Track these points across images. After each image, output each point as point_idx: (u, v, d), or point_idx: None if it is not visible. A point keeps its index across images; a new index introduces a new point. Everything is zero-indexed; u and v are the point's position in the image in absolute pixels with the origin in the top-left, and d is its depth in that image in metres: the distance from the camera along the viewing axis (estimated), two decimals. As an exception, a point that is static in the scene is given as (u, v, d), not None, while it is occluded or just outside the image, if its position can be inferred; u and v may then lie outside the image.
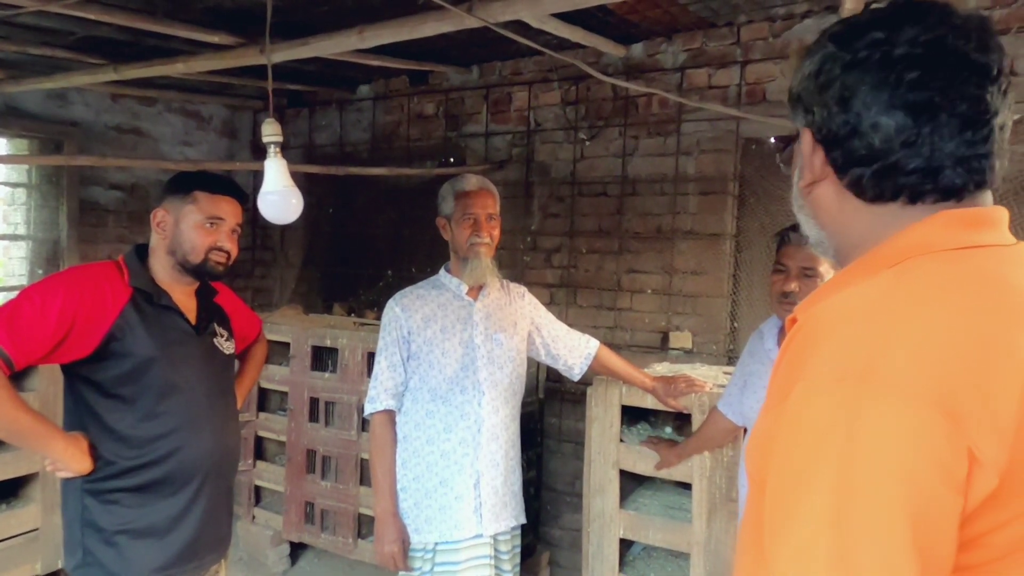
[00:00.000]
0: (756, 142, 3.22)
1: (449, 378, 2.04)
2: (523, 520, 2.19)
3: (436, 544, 2.03)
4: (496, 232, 2.11)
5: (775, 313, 1.89)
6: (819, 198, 0.78)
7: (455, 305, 2.11)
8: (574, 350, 2.29)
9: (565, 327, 2.33)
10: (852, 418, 0.58)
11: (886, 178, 0.71)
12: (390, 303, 2.12)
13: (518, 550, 2.19)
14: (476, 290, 2.14)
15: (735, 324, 3.25)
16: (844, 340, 0.63)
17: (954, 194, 0.70)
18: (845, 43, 0.72)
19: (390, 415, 2.08)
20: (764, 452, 0.67)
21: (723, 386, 2.26)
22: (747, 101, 3.11)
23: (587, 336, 2.33)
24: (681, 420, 2.61)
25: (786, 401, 0.64)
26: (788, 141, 0.85)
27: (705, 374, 2.53)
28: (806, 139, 0.76)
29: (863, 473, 0.57)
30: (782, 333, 1.91)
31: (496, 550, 2.09)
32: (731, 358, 3.16)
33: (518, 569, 2.19)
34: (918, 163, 0.69)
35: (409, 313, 2.07)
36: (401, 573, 2.08)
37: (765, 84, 3.09)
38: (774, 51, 3.05)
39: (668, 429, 2.70)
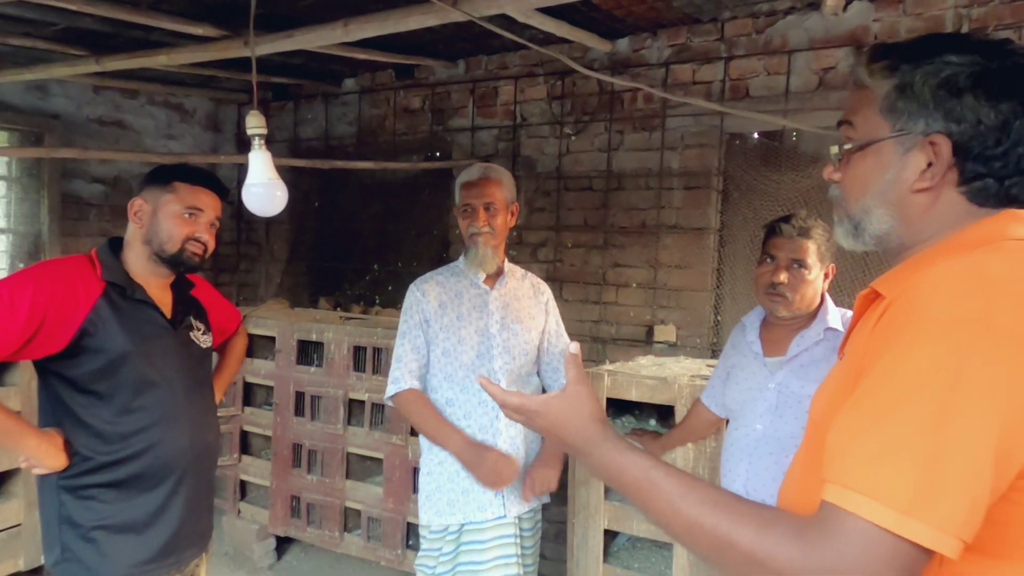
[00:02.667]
0: (740, 137, 3.25)
1: (465, 365, 2.06)
2: (546, 499, 2.22)
3: (462, 525, 2.06)
4: (498, 220, 2.09)
5: (761, 304, 1.91)
6: (921, 200, 0.83)
7: (471, 293, 2.13)
8: (557, 371, 2.28)
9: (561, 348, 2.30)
10: (967, 353, 0.66)
11: (1013, 188, 0.80)
12: (411, 287, 2.14)
13: (539, 526, 2.23)
14: (493, 279, 2.15)
15: (718, 318, 3.29)
16: (956, 294, 0.71)
17: None
18: (991, 55, 0.80)
19: (416, 392, 2.08)
20: (863, 374, 0.73)
21: (706, 378, 2.29)
22: (731, 96, 3.14)
23: None
24: (665, 412, 2.63)
25: (896, 342, 0.71)
26: (859, 144, 0.87)
27: (688, 367, 2.55)
28: (943, 147, 0.80)
29: (968, 398, 0.65)
30: (764, 325, 1.93)
31: (520, 528, 2.13)
32: (714, 351, 3.20)
33: (539, 546, 2.23)
34: None
35: (428, 298, 2.10)
36: (421, 551, 2.12)
37: (748, 80, 3.11)
38: (757, 47, 3.08)
39: (652, 421, 2.72)
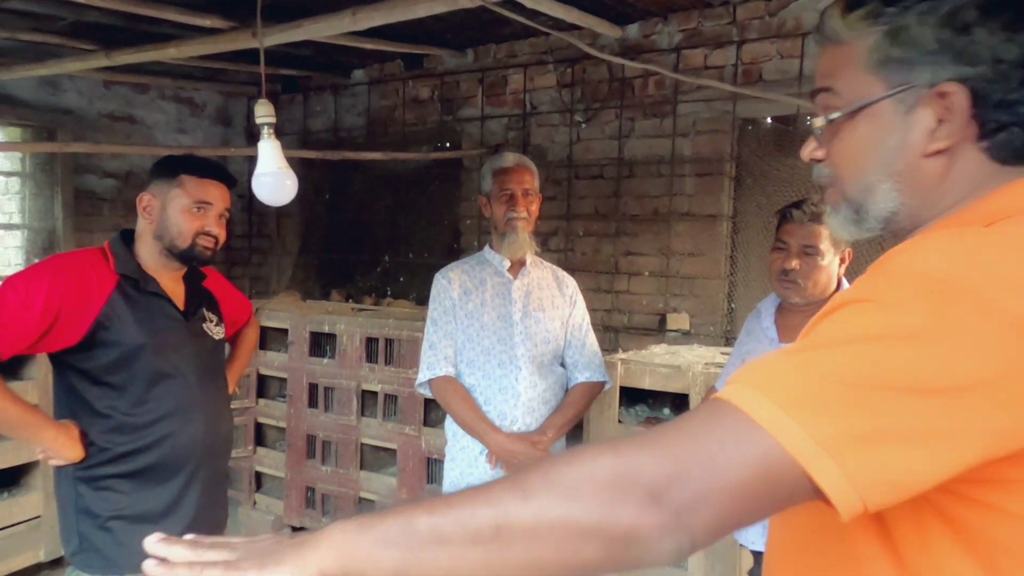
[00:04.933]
0: (752, 123, 3.21)
1: (487, 350, 2.10)
2: None
3: None
4: (534, 207, 2.16)
5: (774, 291, 1.89)
6: (935, 165, 0.69)
7: (495, 280, 2.16)
8: (578, 364, 2.20)
9: (588, 345, 2.23)
10: (942, 310, 0.55)
11: None
12: (437, 276, 2.18)
13: None
14: (517, 267, 2.18)
15: (732, 305, 3.26)
16: (952, 252, 0.60)
17: None
18: None
19: (451, 379, 2.11)
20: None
21: (720, 366, 2.27)
22: (743, 81, 3.10)
23: (596, 369, 2.19)
24: (679, 401, 2.62)
25: (855, 290, 0.61)
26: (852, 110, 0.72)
27: (702, 355, 2.53)
28: (958, 96, 0.66)
29: (931, 360, 0.54)
30: (779, 312, 1.91)
31: None
32: (728, 339, 3.17)
33: None
34: None
35: (454, 285, 2.14)
36: None
37: (761, 64, 3.07)
38: (770, 31, 3.03)
39: (666, 410, 2.71)
